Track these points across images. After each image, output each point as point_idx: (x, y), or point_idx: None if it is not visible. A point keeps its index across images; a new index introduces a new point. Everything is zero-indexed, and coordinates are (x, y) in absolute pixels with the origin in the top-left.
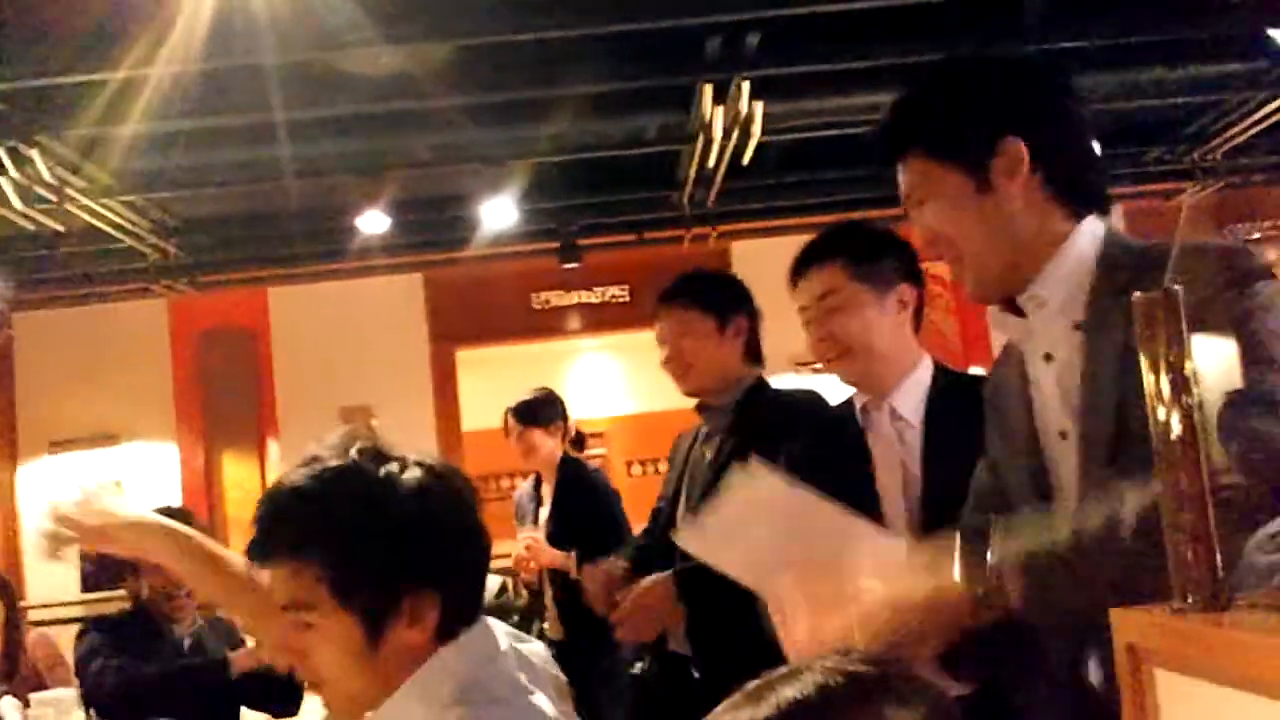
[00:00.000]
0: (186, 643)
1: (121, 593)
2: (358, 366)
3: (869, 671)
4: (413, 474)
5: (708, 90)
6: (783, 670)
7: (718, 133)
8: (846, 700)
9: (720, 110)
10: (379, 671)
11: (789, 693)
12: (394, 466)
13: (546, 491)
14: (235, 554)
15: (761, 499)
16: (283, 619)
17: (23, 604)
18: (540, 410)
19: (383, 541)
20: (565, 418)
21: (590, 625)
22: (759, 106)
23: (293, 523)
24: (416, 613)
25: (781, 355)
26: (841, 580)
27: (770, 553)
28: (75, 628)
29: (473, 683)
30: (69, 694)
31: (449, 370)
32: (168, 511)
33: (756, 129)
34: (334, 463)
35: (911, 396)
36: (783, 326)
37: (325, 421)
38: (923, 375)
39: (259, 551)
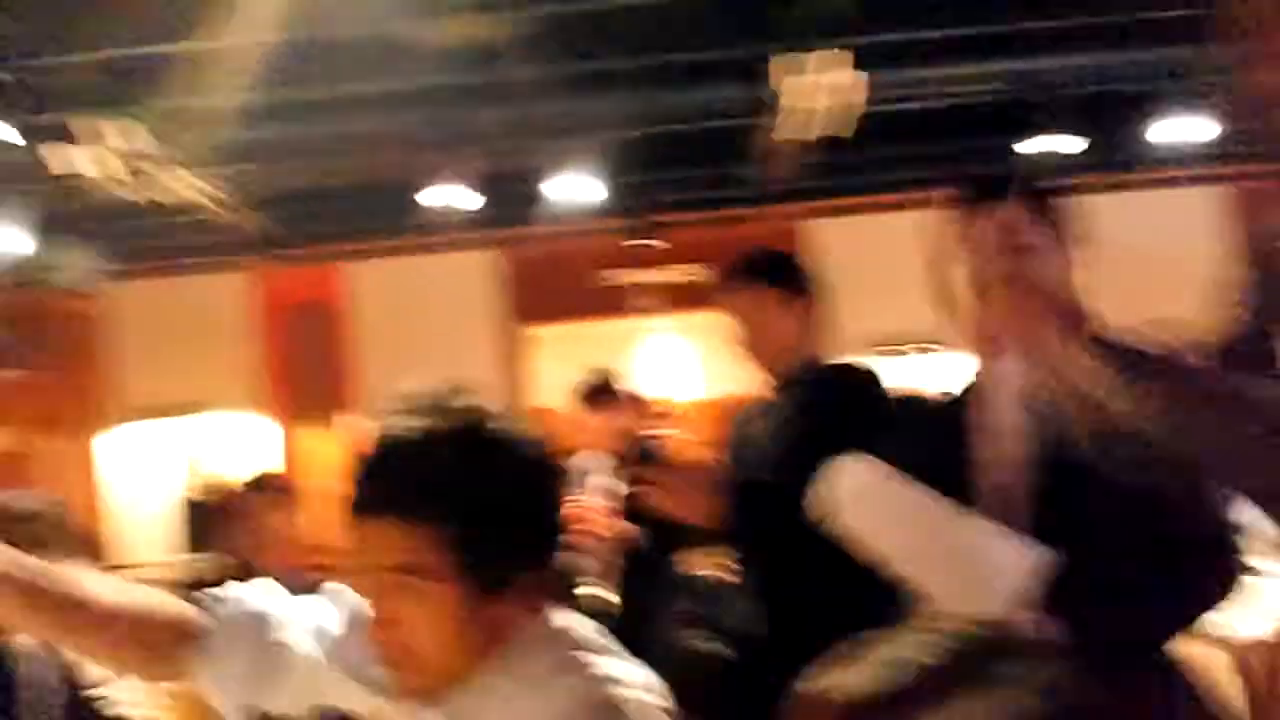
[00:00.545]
0: None
1: (210, 556)
2: (434, 341)
3: (977, 631)
4: (525, 440)
5: (788, 63)
6: (879, 635)
7: (798, 107)
8: (955, 660)
9: (801, 84)
10: (472, 644)
11: (888, 654)
12: (505, 429)
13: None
14: (95, 579)
15: (871, 491)
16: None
17: (109, 565)
18: (593, 392)
19: (514, 511)
20: (623, 397)
21: (649, 596)
22: (839, 80)
23: (416, 479)
24: (525, 586)
25: (859, 337)
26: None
27: (893, 542)
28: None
29: (577, 646)
30: None
31: (524, 346)
32: (264, 478)
33: (839, 103)
34: (450, 420)
35: None
36: (860, 307)
37: None
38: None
39: (371, 504)
